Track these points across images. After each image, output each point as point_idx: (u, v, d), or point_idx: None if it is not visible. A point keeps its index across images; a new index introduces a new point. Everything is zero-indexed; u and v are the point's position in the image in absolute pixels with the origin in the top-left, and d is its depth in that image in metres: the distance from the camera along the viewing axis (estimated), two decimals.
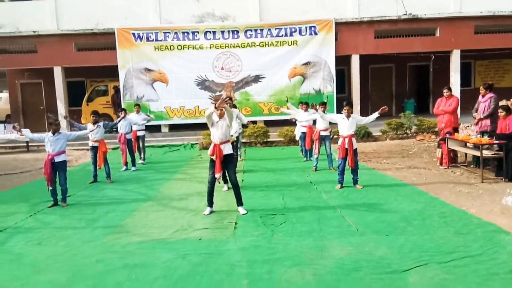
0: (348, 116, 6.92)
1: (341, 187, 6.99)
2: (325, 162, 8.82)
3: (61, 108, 14.98)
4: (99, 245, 4.72)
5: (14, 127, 7.30)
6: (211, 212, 5.82)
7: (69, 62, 14.94)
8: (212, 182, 5.79)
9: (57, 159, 6.52)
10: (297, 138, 10.71)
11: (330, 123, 8.36)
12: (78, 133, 7.29)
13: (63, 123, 14.87)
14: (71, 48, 14.81)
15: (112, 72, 14.94)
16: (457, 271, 3.65)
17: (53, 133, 6.59)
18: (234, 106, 8.92)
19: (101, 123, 8.41)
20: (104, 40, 14.67)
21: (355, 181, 7.04)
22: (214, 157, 5.71)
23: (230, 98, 8.78)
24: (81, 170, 10.12)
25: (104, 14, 14.77)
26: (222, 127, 5.72)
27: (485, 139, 7.40)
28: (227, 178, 6.80)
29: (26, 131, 6.88)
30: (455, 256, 3.96)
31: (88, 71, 16.28)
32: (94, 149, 8.36)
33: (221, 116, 5.70)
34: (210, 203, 5.86)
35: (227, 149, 5.76)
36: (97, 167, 8.38)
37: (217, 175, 5.70)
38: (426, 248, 4.19)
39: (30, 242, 4.93)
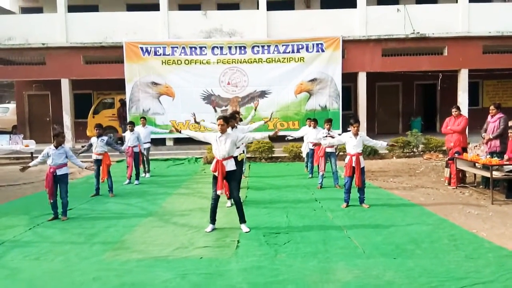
0: (356, 134, 6.80)
1: (347, 205, 6.83)
2: (330, 180, 8.67)
3: (67, 120, 15.02)
4: (97, 262, 4.59)
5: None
6: (213, 229, 5.68)
7: (77, 74, 15.04)
8: (215, 199, 5.65)
9: (59, 172, 6.44)
10: (304, 154, 10.59)
11: None
12: (75, 160, 6.79)
13: (68, 135, 14.93)
14: (79, 61, 14.93)
15: (119, 85, 15.01)
16: None
17: (56, 146, 6.52)
18: (240, 120, 8.77)
19: (105, 137, 8.35)
20: (112, 54, 14.78)
21: (362, 200, 6.88)
22: (216, 173, 5.57)
23: (238, 113, 8.66)
24: (84, 183, 10.05)
25: (113, 28, 14.92)
26: (225, 143, 5.58)
27: (495, 159, 7.23)
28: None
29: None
30: (466, 283, 3.78)
31: (95, 83, 16.38)
32: (98, 162, 8.28)
33: (223, 131, 5.59)
34: (213, 220, 5.72)
35: (230, 166, 5.62)
36: (100, 180, 8.28)
37: (219, 192, 5.56)
38: (435, 273, 4.01)
39: (27, 257, 4.81)
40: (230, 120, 6.28)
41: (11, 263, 4.63)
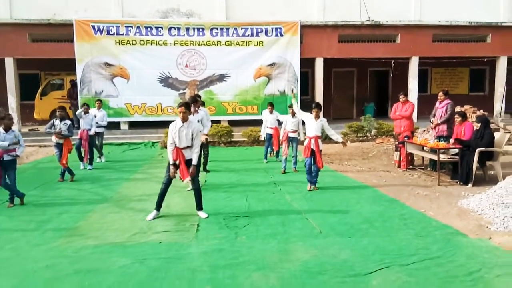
0: (317, 117, 6.92)
1: (311, 187, 6.96)
2: (289, 164, 8.79)
3: (12, 101, 14.07)
4: (50, 249, 4.40)
5: None
6: (156, 217, 5.46)
7: (22, 53, 14.06)
8: (166, 183, 5.47)
9: (6, 157, 6.05)
10: (262, 138, 10.64)
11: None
12: (22, 147, 6.30)
13: (14, 118, 14.03)
14: (25, 39, 13.95)
15: (69, 65, 14.23)
16: (418, 273, 3.70)
17: (6, 130, 6.11)
18: (203, 104, 8.61)
19: (68, 121, 7.90)
20: (61, 32, 13.94)
21: (314, 183, 7.05)
22: (177, 162, 5.42)
23: (199, 96, 8.48)
24: (33, 168, 9.55)
25: (62, 4, 14.05)
26: (186, 133, 5.38)
27: (442, 143, 7.66)
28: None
29: None
30: (416, 259, 4.01)
31: (42, 63, 15.45)
32: (59, 146, 7.85)
33: (184, 119, 5.40)
34: (159, 206, 5.52)
35: (189, 154, 5.48)
36: (61, 165, 7.86)
37: (185, 180, 5.42)
38: (388, 251, 4.22)
39: None
40: (191, 106, 6.12)
41: None
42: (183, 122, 5.40)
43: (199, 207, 5.61)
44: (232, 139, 13.34)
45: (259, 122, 11.71)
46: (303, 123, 8.01)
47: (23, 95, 15.13)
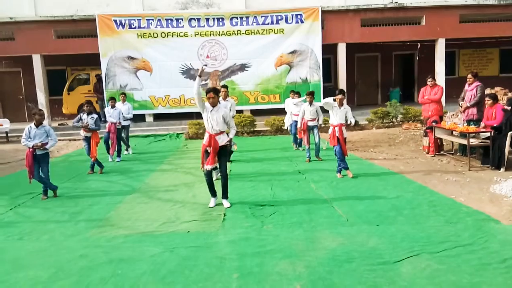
0: (341, 105, 6.83)
1: (341, 174, 6.93)
2: (312, 152, 8.74)
3: (41, 97, 14.51)
4: (83, 239, 4.56)
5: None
6: (216, 203, 5.61)
7: (49, 50, 14.43)
8: (208, 174, 5.54)
9: (39, 151, 6.26)
10: (286, 126, 10.61)
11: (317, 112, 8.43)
12: (52, 141, 6.39)
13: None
14: (51, 36, 14.29)
15: (93, 60, 14.51)
16: (449, 261, 3.63)
17: (37, 125, 6.31)
18: (227, 95, 8.61)
19: (95, 115, 8.12)
20: (84, 27, 14.20)
21: (339, 170, 7.00)
22: (209, 149, 5.44)
23: (226, 86, 8.51)
24: (64, 161, 9.85)
25: (84, 0, 14.28)
26: (217, 116, 5.42)
27: (472, 127, 7.43)
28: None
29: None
30: (446, 246, 3.94)
31: (68, 59, 15.78)
32: (88, 139, 8.10)
33: (213, 104, 5.43)
34: (213, 193, 5.64)
35: (222, 140, 5.51)
36: (91, 158, 8.09)
37: (208, 167, 5.45)
38: (417, 238, 4.16)
39: (10, 237, 4.73)
40: (219, 92, 6.12)
41: None
42: (212, 107, 5.44)
43: (225, 195, 5.66)
44: (255, 129, 13.36)
45: (281, 111, 11.68)
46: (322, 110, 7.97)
47: (51, 91, 15.56)
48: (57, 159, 10.16)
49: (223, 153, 5.61)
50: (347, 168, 6.98)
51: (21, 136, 6.44)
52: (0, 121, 13.74)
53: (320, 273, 3.50)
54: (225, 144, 5.56)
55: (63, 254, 4.16)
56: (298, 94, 9.90)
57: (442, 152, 8.62)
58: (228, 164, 8.19)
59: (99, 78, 14.78)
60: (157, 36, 14.20)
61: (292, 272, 3.56)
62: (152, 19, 14.09)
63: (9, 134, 13.56)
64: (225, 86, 8.44)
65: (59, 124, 14.95)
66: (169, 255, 4.02)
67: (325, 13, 14.46)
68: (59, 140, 12.89)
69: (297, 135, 9.77)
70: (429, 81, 8.67)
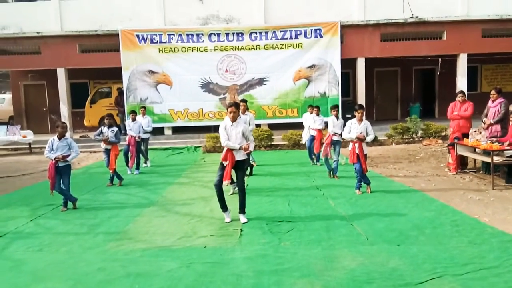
0: (360, 121, 6.75)
1: (360, 191, 6.83)
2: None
3: (64, 110, 14.88)
4: (101, 252, 4.59)
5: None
6: (230, 216, 5.58)
7: (73, 63, 14.86)
8: (218, 185, 5.46)
9: (61, 163, 6.39)
10: (304, 141, 10.53)
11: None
12: (74, 153, 6.51)
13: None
14: (75, 50, 14.73)
15: (115, 74, 14.85)
16: (474, 284, 3.50)
17: (60, 137, 6.45)
18: (247, 108, 8.62)
19: (115, 129, 8.27)
20: (108, 42, 14.58)
21: (358, 187, 6.89)
22: (226, 163, 5.44)
23: (245, 101, 8.54)
24: (84, 173, 10.02)
25: (108, 16, 14.69)
26: (236, 132, 5.44)
27: (496, 145, 7.23)
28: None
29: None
30: (470, 268, 3.80)
31: (91, 72, 16.21)
32: (107, 152, 8.24)
33: (233, 119, 5.46)
34: (225, 207, 5.58)
35: (240, 156, 5.51)
36: (109, 170, 8.22)
37: (225, 183, 5.44)
38: (439, 259, 4.03)
39: (30, 249, 4.80)
40: (239, 107, 6.13)
41: (14, 255, 4.62)
42: (232, 122, 5.45)
43: (242, 210, 5.61)
44: (273, 143, 13.35)
45: (299, 125, 11.65)
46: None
47: (74, 103, 15.95)
48: (77, 170, 10.34)
49: (241, 168, 5.59)
50: (368, 184, 6.87)
51: (44, 147, 6.60)
52: (24, 132, 14.12)
53: None
54: (242, 159, 5.55)
55: (82, 267, 4.19)
56: (318, 109, 9.83)
57: (465, 170, 8.41)
58: (246, 178, 8.20)
59: (120, 91, 15.08)
60: (178, 50, 14.45)
61: None
62: (173, 34, 14.36)
63: (32, 146, 13.90)
64: (244, 101, 8.48)
65: (80, 136, 15.27)
66: (185, 270, 4.00)
67: (345, 27, 14.47)
68: (80, 151, 13.19)
69: (314, 150, 9.69)
70: (459, 97, 8.54)
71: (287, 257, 4.25)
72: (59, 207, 6.55)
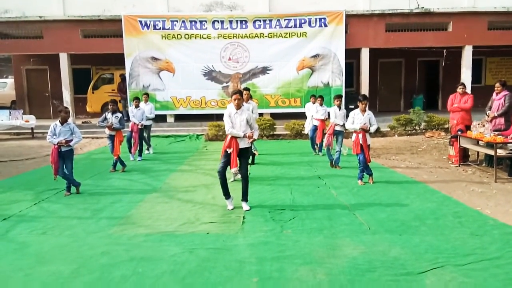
0: (364, 111, 6.73)
1: (362, 181, 6.83)
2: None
3: (66, 95, 14.85)
4: (105, 237, 4.62)
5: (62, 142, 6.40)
6: (233, 203, 5.59)
7: (75, 48, 14.76)
8: (222, 172, 5.48)
9: (64, 148, 6.40)
10: (306, 131, 10.50)
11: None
12: (77, 138, 6.57)
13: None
14: (78, 35, 14.63)
15: (118, 60, 14.77)
16: (476, 274, 3.52)
17: (62, 123, 6.45)
18: (251, 97, 8.58)
19: (119, 114, 8.26)
20: (110, 27, 14.47)
21: (361, 177, 6.89)
22: (230, 150, 5.43)
23: (248, 89, 8.49)
24: (86, 159, 10.04)
25: (111, 0, 14.57)
26: (240, 119, 5.43)
27: (500, 137, 7.21)
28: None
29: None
30: (472, 259, 3.82)
31: (94, 58, 16.12)
32: (112, 138, 8.23)
33: (238, 107, 5.44)
34: (227, 195, 5.59)
35: (244, 143, 5.51)
36: (114, 156, 8.21)
37: (233, 170, 5.45)
38: (441, 249, 4.05)
39: (34, 231, 4.83)
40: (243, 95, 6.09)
41: (18, 237, 4.66)
42: (237, 109, 5.43)
43: (245, 197, 5.63)
44: (275, 132, 13.33)
45: (301, 115, 11.61)
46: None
47: (76, 89, 15.91)
48: (79, 156, 10.35)
49: (244, 155, 5.60)
50: (370, 175, 6.88)
51: (46, 132, 6.60)
52: (26, 117, 14.12)
53: (341, 281, 3.44)
54: (246, 147, 5.55)
55: (85, 250, 4.22)
56: (321, 99, 9.77)
57: (467, 162, 8.40)
58: (248, 167, 8.19)
59: (123, 77, 15.03)
60: (181, 37, 14.35)
61: (313, 279, 3.51)
62: (177, 21, 14.24)
63: (34, 130, 13.91)
64: (247, 89, 8.44)
65: (82, 122, 15.26)
66: (188, 255, 4.03)
67: (349, 17, 14.34)
68: (82, 137, 13.19)
69: (316, 140, 9.66)
70: (459, 89, 8.49)
71: (289, 244, 4.28)
72: (62, 191, 6.58)
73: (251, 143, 5.74)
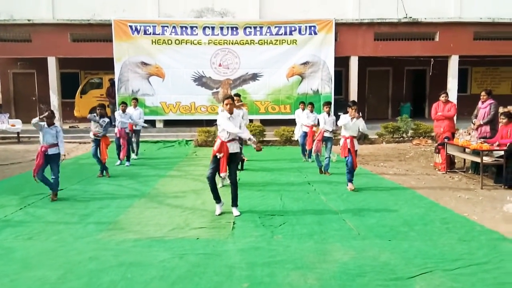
0: (353, 117, 6.80)
1: (353, 187, 6.88)
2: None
3: (54, 99, 14.68)
4: (93, 242, 4.55)
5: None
6: (222, 208, 5.57)
7: (64, 52, 14.64)
8: (211, 178, 5.47)
9: (51, 151, 6.32)
10: (297, 137, 10.57)
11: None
12: (61, 144, 6.48)
13: (56, 115, 14.64)
14: (66, 39, 14.51)
15: (107, 64, 14.68)
16: (464, 279, 3.56)
17: (49, 125, 6.38)
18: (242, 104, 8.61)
19: (106, 119, 8.20)
20: (100, 32, 14.40)
21: (350, 179, 6.94)
22: (220, 155, 5.43)
23: (238, 95, 8.53)
24: (74, 164, 9.90)
25: (101, 5, 14.51)
26: (234, 124, 5.42)
27: (486, 145, 7.34)
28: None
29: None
30: (460, 264, 3.86)
31: (82, 62, 16.00)
32: (96, 141, 8.15)
33: (231, 112, 5.46)
34: (218, 199, 5.58)
35: (234, 148, 5.51)
36: (102, 161, 8.13)
37: (222, 175, 5.45)
38: (430, 255, 4.09)
39: (20, 237, 4.74)
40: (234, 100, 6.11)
41: (4, 243, 4.55)
42: (230, 114, 5.43)
43: (234, 203, 5.61)
44: (265, 139, 13.34)
45: (291, 122, 11.67)
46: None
47: (64, 93, 15.73)
48: (67, 161, 10.17)
49: (233, 160, 5.60)
50: (350, 181, 6.91)
51: (33, 137, 6.50)
52: (12, 121, 13.89)
53: (332, 286, 3.45)
54: (236, 151, 5.55)
55: (73, 256, 4.15)
56: (312, 105, 9.86)
57: (453, 169, 8.52)
58: (238, 172, 8.18)
59: (112, 82, 14.93)
60: (171, 43, 14.34)
61: (304, 283, 3.51)
62: (167, 26, 14.25)
63: (20, 135, 13.68)
64: (237, 95, 8.48)
65: (70, 127, 15.08)
66: (178, 261, 3.99)
67: (339, 25, 14.53)
68: (69, 142, 13.04)
69: (306, 146, 9.71)
70: (442, 97, 8.62)
71: (280, 250, 4.27)
72: (48, 196, 6.47)
73: (241, 148, 5.73)
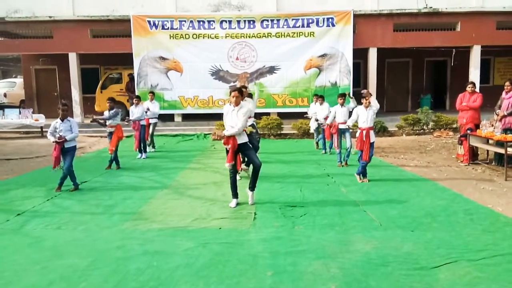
0: (367, 107, 6.75)
1: (362, 179, 6.84)
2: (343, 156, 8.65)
3: (75, 94, 14.98)
4: (118, 231, 4.67)
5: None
6: (237, 204, 5.60)
7: (85, 48, 14.89)
8: (232, 171, 5.57)
9: (67, 144, 6.48)
10: (312, 130, 10.60)
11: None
12: (72, 134, 6.56)
13: (77, 110, 14.95)
14: (87, 35, 14.76)
15: (126, 59, 14.88)
16: (489, 269, 3.52)
17: (62, 119, 6.53)
18: (250, 95, 8.66)
19: (116, 110, 8.37)
20: (119, 27, 14.58)
21: (363, 173, 6.90)
22: (228, 147, 5.49)
23: (245, 87, 8.53)
24: (96, 157, 10.13)
25: (120, 0, 14.68)
26: (237, 115, 5.46)
27: (510, 136, 7.19)
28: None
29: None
30: (485, 254, 3.83)
31: (102, 58, 16.24)
32: (111, 135, 8.33)
33: (236, 104, 5.49)
34: (235, 194, 5.64)
35: (241, 139, 5.53)
36: (109, 152, 8.32)
37: (227, 165, 5.50)
38: (454, 245, 4.06)
39: (49, 226, 4.89)
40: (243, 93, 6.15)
41: (33, 232, 4.72)
42: (235, 106, 5.48)
43: (253, 187, 5.62)
44: (282, 132, 13.35)
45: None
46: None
47: (85, 89, 16.02)
48: (89, 154, 10.45)
49: (247, 149, 5.58)
50: (359, 174, 6.88)
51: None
52: (36, 116, 14.25)
53: (355, 275, 3.47)
54: (244, 141, 5.54)
55: (100, 245, 4.28)
56: (322, 98, 9.91)
57: (476, 161, 8.38)
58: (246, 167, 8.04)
59: (131, 77, 15.12)
60: (189, 37, 14.42)
61: (326, 272, 3.53)
62: (185, 21, 14.32)
63: (44, 129, 14.03)
64: (244, 87, 8.47)
65: (91, 121, 15.33)
66: (202, 250, 4.07)
67: (357, 17, 14.34)
68: (90, 136, 13.31)
69: (326, 138, 9.69)
70: (469, 87, 8.45)
71: (302, 240, 4.30)
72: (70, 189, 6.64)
73: (249, 135, 5.75)
